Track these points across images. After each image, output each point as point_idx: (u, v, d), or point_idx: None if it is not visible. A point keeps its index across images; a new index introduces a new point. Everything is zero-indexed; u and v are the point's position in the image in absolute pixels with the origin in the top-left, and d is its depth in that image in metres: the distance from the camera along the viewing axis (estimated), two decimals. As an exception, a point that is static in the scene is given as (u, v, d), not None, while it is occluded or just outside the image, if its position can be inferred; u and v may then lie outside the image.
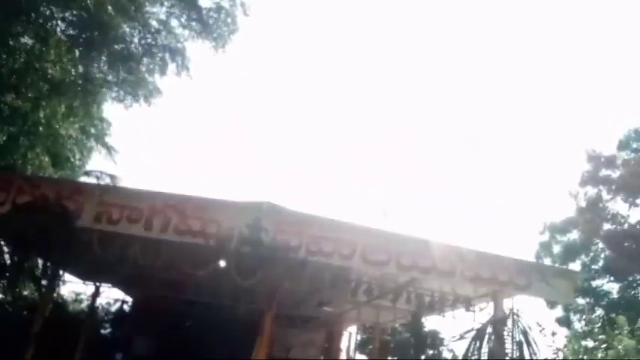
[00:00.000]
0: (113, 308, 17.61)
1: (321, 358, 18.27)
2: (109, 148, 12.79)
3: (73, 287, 16.14)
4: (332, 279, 7.68)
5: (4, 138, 9.26)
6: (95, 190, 7.19)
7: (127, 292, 16.98)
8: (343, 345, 19.34)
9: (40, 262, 10.97)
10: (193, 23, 9.37)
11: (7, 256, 10.18)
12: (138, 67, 8.93)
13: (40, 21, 7.59)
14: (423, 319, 10.66)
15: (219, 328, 17.12)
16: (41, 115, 8.33)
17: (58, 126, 8.83)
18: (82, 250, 7.24)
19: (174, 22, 9.46)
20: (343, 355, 20.70)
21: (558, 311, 24.01)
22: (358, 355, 20.71)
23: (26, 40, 7.86)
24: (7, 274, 11.25)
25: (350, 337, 19.09)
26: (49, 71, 7.37)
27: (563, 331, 18.68)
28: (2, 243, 9.63)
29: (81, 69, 8.29)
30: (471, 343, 7.71)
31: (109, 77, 9.15)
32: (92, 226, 7.08)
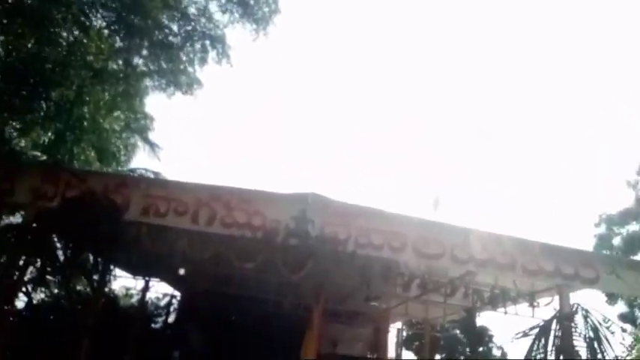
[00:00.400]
0: (162, 303, 17.95)
1: (368, 354, 17.95)
2: (152, 145, 12.89)
3: (123, 282, 16.55)
4: (382, 272, 7.33)
5: (51, 134, 9.44)
6: (141, 184, 7.15)
7: (175, 286, 17.24)
8: (390, 341, 18.97)
9: (90, 257, 11.22)
10: (233, 6, 9.17)
11: (59, 252, 10.42)
12: (178, 55, 8.85)
13: (80, 9, 7.64)
14: (477, 315, 10.12)
15: (265, 323, 17.11)
16: (85, 109, 8.42)
17: (102, 120, 8.92)
18: (131, 244, 7.22)
19: (213, 7, 9.30)
20: (391, 352, 20.31)
21: (620, 307, 22.62)
22: (405, 352, 20.25)
23: (66, 32, 7.94)
24: (61, 270, 11.52)
25: (398, 333, 18.64)
26: (91, 60, 7.43)
27: (628, 329, 17.47)
28: (54, 239, 9.85)
29: (122, 58, 8.35)
30: (535, 340, 7.17)
31: (150, 67, 9.12)
32: (140, 220, 7.04)
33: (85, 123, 8.69)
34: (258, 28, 9.78)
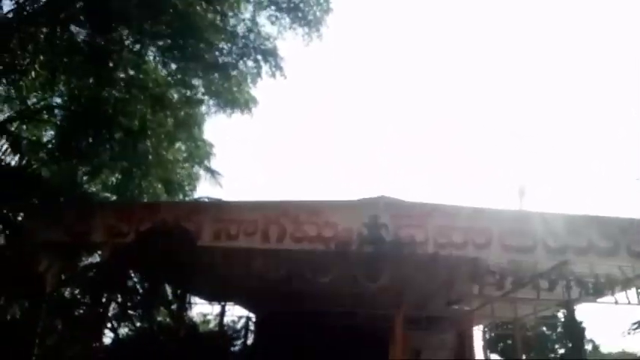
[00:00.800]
0: (238, 325, 18.07)
1: (454, 360, 17.11)
2: (213, 173, 13.06)
3: (199, 309, 16.81)
4: (470, 272, 6.80)
5: (118, 174, 9.72)
6: (211, 209, 7.11)
7: (249, 308, 17.32)
8: (475, 344, 17.99)
9: (167, 287, 11.43)
10: (283, 14, 9.06)
11: (137, 285, 10.68)
12: (232, 75, 8.85)
13: (134, 40, 7.84)
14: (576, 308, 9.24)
15: (342, 336, 16.79)
16: (148, 143, 8.59)
17: (165, 152, 9.08)
18: (206, 270, 7.18)
19: (262, 20, 9.19)
20: (480, 356, 19.28)
21: None
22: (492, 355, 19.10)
23: (122, 67, 8.17)
24: (141, 303, 11.80)
25: (483, 335, 17.67)
26: (150, 90, 7.59)
27: None
28: (131, 273, 10.11)
29: (179, 84, 8.48)
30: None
31: (206, 89, 9.19)
32: (212, 244, 6.99)
33: (150, 157, 8.88)
34: (311, 31, 9.54)
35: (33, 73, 7.52)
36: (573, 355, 8.73)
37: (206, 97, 9.49)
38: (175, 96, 8.58)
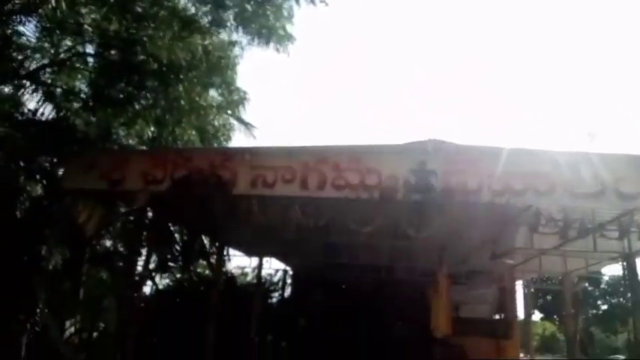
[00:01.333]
0: (275, 278, 18.17)
1: (495, 316, 16.73)
2: (247, 125, 12.67)
3: (237, 262, 16.92)
4: (531, 221, 6.23)
5: (153, 125, 9.44)
6: (246, 155, 6.72)
7: (286, 261, 17.35)
8: (518, 300, 17.52)
9: (205, 239, 11.38)
10: None
11: (176, 236, 10.68)
12: (265, 3, 8.17)
13: None
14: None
15: (381, 291, 16.66)
16: (181, 88, 8.20)
17: (198, 98, 8.69)
18: (243, 219, 6.89)
19: None
20: (521, 312, 18.86)
21: None
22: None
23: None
24: (181, 255, 11.85)
25: (527, 290, 17.15)
26: (179, 12, 7.16)
27: None
28: (169, 224, 10.06)
29: (210, 9, 7.99)
30: None
31: (237, 18, 8.53)
32: (249, 193, 6.66)
33: (183, 102, 8.50)
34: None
35: (58, 14, 7.18)
36: (635, 312, 8.11)
37: (238, 31, 8.77)
38: (205, 21, 8.07)
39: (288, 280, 18.28)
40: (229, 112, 11.81)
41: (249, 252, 13.85)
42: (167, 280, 14.43)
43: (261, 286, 14.18)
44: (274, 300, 18.06)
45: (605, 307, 29.80)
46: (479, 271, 15.07)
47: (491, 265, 14.10)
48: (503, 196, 6.07)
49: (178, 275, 14.08)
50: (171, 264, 12.92)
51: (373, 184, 6.45)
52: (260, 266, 13.83)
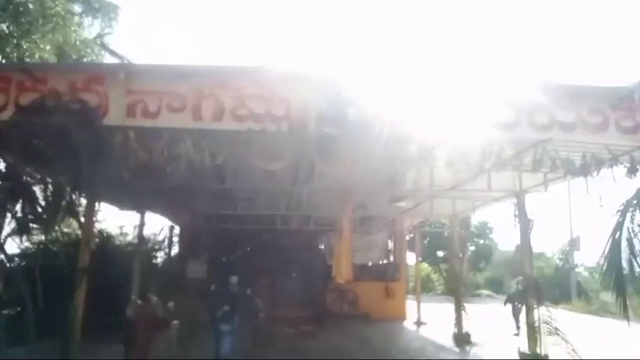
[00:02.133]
0: (160, 237, 16.60)
1: (384, 260, 17.33)
2: (118, 54, 10.55)
3: (116, 222, 15.02)
4: (447, 156, 5.86)
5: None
6: (120, 74, 5.31)
7: (172, 215, 15.85)
8: (408, 244, 18.31)
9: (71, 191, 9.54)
10: None
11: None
12: None
13: None
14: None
15: (277, 242, 16.18)
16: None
17: (53, 4, 6.73)
18: (117, 160, 5.53)
19: None
20: (411, 257, 19.77)
21: None
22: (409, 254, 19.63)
23: None
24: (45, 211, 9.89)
25: (415, 234, 17.93)
26: None
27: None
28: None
29: None
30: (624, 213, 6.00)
31: None
32: (124, 124, 5.32)
33: (32, 6, 6.49)
34: None
35: None
36: (523, 246, 8.51)
37: None
38: None
39: (176, 237, 16.90)
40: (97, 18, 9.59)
41: (126, 206, 12.18)
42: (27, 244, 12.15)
43: (143, 245, 12.61)
44: (159, 260, 16.62)
45: (472, 248, 33.16)
46: (372, 216, 15.26)
47: (385, 210, 14.30)
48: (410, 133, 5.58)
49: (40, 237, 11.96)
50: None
51: (281, 115, 5.54)
52: (142, 223, 12.23)
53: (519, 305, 8.51)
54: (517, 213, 8.66)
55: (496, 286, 34.96)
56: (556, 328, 7.92)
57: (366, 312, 15.45)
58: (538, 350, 7.83)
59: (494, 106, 5.66)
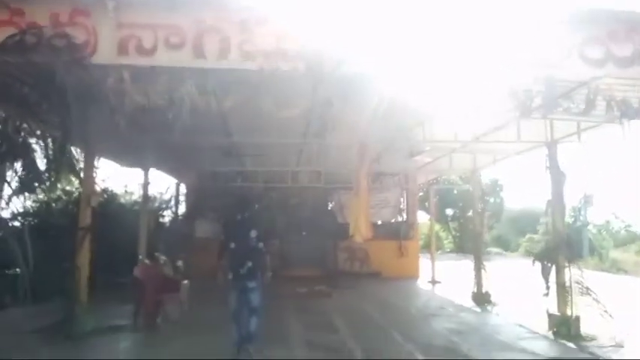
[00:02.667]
0: (167, 196, 16.17)
1: (397, 218, 16.85)
2: None
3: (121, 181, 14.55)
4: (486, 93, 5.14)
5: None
6: (108, 4, 4.57)
7: (178, 176, 15.36)
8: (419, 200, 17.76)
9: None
10: None
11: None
12: None
13: None
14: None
15: (285, 199, 15.71)
16: None
17: None
18: (112, 106, 4.88)
19: None
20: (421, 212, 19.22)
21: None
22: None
23: None
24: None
25: (429, 191, 17.36)
26: None
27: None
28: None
29: None
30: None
31: None
32: (116, 62, 4.64)
33: None
34: None
35: None
36: (555, 201, 7.88)
37: None
38: None
39: (183, 195, 16.47)
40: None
41: (127, 161, 11.65)
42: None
43: (148, 203, 12.11)
44: (167, 220, 16.25)
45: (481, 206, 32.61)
46: (385, 172, 14.66)
47: (399, 166, 13.68)
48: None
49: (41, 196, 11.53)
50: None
51: (293, 54, 4.83)
52: (146, 181, 11.68)
53: (549, 264, 7.95)
54: (549, 165, 8.00)
55: (503, 244, 34.72)
56: (587, 288, 7.45)
57: (378, 271, 15.13)
58: (568, 312, 7.35)
59: (533, 40, 4.91)
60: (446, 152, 10.94)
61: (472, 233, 11.50)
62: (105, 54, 4.59)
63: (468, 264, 19.74)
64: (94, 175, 8.04)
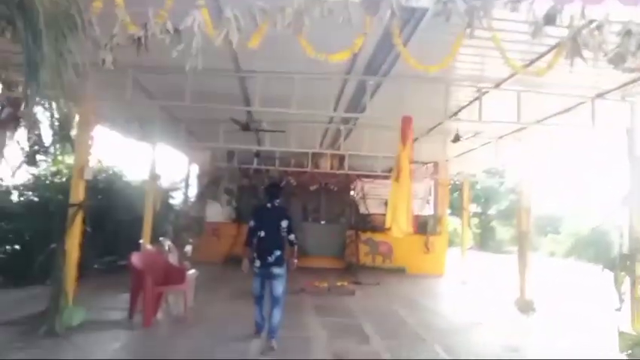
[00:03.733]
0: (178, 178, 15.03)
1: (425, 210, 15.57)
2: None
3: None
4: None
5: None
6: None
7: (189, 153, 14.21)
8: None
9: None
10: None
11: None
12: None
13: None
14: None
15: (304, 185, 14.60)
16: None
17: None
18: (98, 38, 3.65)
19: None
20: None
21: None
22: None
23: None
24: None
25: (461, 182, 15.96)
26: None
27: None
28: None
29: None
30: None
31: None
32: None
33: None
34: None
35: None
36: (632, 196, 6.55)
37: None
38: None
39: (195, 177, 15.32)
40: None
41: (130, 131, 10.54)
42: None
43: (155, 181, 10.90)
44: (175, 199, 15.13)
45: (506, 203, 30.97)
46: (415, 160, 13.34)
47: (432, 153, 12.40)
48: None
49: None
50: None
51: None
52: (154, 157, 10.47)
53: (623, 273, 6.64)
54: (628, 154, 6.65)
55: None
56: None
57: (402, 266, 13.92)
58: (645, 331, 6.05)
59: None
60: (492, 139, 9.63)
61: (517, 233, 10.07)
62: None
63: (490, 261, 18.43)
64: (89, 142, 6.85)
